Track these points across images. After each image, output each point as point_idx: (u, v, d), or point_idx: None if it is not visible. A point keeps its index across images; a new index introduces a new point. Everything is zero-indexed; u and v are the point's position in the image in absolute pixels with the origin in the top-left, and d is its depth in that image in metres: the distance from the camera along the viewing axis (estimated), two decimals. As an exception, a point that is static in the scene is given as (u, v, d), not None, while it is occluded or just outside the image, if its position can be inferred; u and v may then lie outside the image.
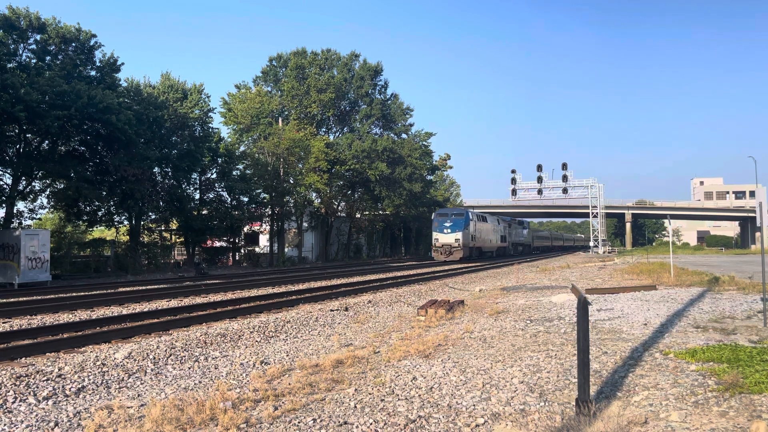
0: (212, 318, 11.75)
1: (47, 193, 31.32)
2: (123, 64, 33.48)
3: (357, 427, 4.91)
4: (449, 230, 42.55)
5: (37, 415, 5.55)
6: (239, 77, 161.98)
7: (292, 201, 43.65)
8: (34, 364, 7.43)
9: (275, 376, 6.82)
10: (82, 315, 12.56)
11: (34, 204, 30.77)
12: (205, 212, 39.33)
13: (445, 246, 42.17)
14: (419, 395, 5.81)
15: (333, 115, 52.30)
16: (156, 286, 19.28)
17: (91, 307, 13.79)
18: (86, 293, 17.32)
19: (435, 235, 43.68)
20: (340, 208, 52.84)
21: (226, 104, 46.59)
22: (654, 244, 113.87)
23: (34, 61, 29.23)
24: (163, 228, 39.58)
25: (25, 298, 15.88)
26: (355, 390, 6.07)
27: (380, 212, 57.74)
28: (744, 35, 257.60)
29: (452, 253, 41.86)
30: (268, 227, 44.07)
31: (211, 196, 40.41)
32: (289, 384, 6.37)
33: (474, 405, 5.44)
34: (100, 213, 33.63)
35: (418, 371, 6.82)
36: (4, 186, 28.22)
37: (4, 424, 5.30)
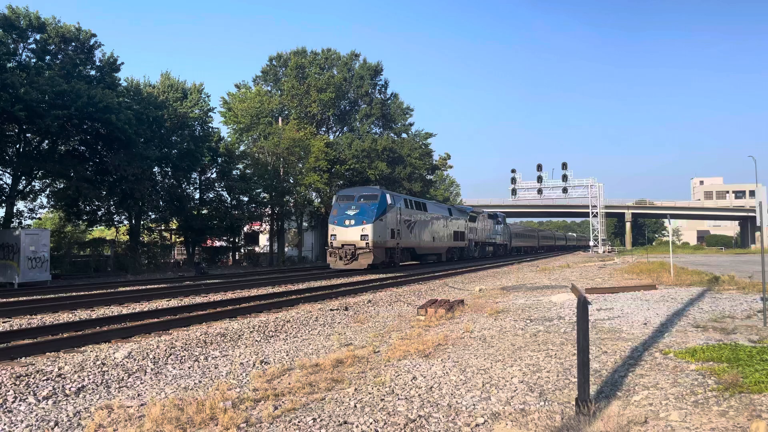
0: (212, 317, 11.74)
1: (47, 192, 31.33)
2: (123, 63, 33.52)
3: (357, 426, 4.91)
4: (353, 221, 27.65)
5: (37, 415, 5.55)
6: (239, 77, 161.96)
7: (292, 201, 43.63)
8: (34, 364, 7.42)
9: (275, 376, 6.82)
10: (82, 315, 12.56)
11: (34, 204, 30.80)
12: (205, 212, 39.34)
13: (346, 246, 27.32)
14: (419, 395, 5.81)
15: (333, 114, 52.30)
16: (156, 286, 19.28)
17: (91, 306, 13.78)
18: (86, 293, 17.32)
19: (331, 228, 28.44)
20: (340, 207, 52.76)
21: (226, 104, 46.58)
22: (654, 243, 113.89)
23: (33, 60, 29.24)
24: (163, 228, 39.58)
25: (25, 298, 15.87)
26: (355, 389, 6.07)
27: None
28: (744, 35, 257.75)
29: (357, 256, 27.19)
30: (268, 227, 44.06)
31: (211, 196, 40.42)
32: (289, 383, 6.37)
33: (474, 404, 5.45)
34: (99, 212, 33.64)
35: (418, 371, 6.82)
36: (4, 186, 28.23)
37: (4, 424, 5.30)
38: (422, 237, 34.57)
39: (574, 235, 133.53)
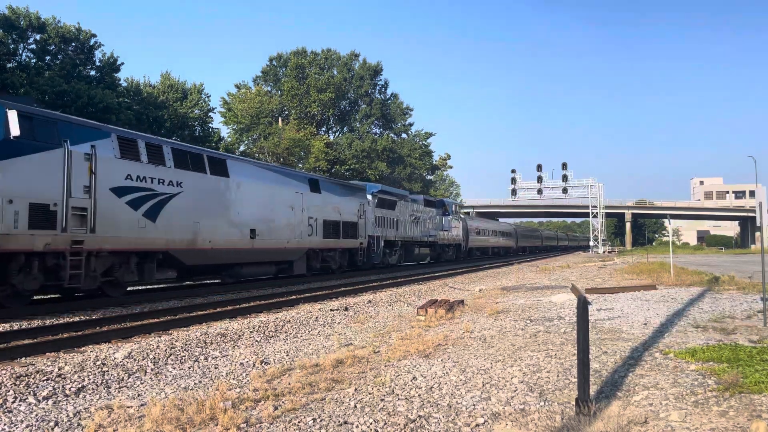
0: (212, 318, 11.74)
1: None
2: (123, 63, 33.62)
3: (357, 426, 4.91)
4: None
5: (37, 415, 5.55)
6: (239, 77, 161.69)
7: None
8: (34, 364, 7.42)
9: (275, 376, 6.82)
10: (82, 315, 12.55)
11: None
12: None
13: None
14: (419, 395, 5.81)
15: (333, 114, 52.34)
16: (156, 286, 19.26)
17: (91, 306, 13.77)
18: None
19: None
20: (339, 207, 52.79)
21: (226, 104, 46.64)
22: (654, 243, 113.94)
23: (33, 60, 29.26)
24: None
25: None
26: (355, 390, 6.07)
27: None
28: (744, 34, 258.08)
29: None
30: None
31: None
32: (289, 384, 6.37)
33: (474, 405, 5.45)
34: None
35: (418, 371, 6.81)
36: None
37: (4, 424, 5.30)
38: (204, 226, 16.32)
39: (566, 234, 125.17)
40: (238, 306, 13.47)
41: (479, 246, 50.20)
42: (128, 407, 5.70)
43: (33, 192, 11.78)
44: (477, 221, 52.64)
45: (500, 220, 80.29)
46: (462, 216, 44.71)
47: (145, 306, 14.07)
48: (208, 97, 40.02)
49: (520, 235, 69.01)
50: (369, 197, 27.69)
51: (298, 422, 5.03)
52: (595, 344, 7.87)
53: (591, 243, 76.81)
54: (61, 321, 11.52)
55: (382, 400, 5.67)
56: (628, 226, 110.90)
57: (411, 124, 57.36)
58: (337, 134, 54.15)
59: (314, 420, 5.08)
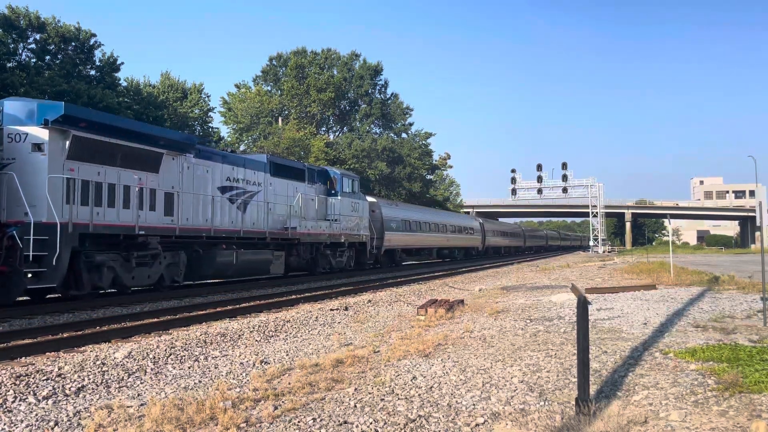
0: (212, 317, 11.74)
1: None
2: (123, 63, 33.61)
3: (357, 426, 4.91)
4: None
5: (36, 415, 5.55)
6: (239, 77, 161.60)
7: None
8: (34, 364, 7.42)
9: (275, 376, 6.82)
10: (82, 315, 12.55)
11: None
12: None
13: None
14: (419, 395, 5.81)
15: (333, 114, 52.35)
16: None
17: (91, 306, 13.76)
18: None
19: None
20: (339, 207, 52.74)
21: (226, 104, 46.66)
22: (654, 243, 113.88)
23: (33, 60, 29.26)
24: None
25: (25, 298, 15.85)
26: (355, 389, 6.07)
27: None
28: (745, 33, 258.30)
29: None
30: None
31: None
32: (289, 383, 6.37)
33: (474, 404, 5.45)
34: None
35: (418, 371, 6.81)
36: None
37: (4, 424, 5.30)
38: None
39: (557, 233, 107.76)
40: (238, 306, 13.47)
41: (408, 245, 32.94)
42: (128, 407, 5.70)
43: None
44: (403, 208, 34.56)
45: (501, 219, 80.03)
46: (373, 199, 29.83)
47: (145, 306, 14.07)
48: (208, 96, 40.20)
49: (490, 231, 51.42)
50: (30, 131, 12.24)
51: (298, 422, 5.03)
52: (594, 344, 7.87)
53: (591, 243, 76.77)
54: (61, 321, 11.52)
55: (382, 399, 5.67)
56: (628, 225, 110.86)
57: (411, 124, 57.46)
58: (337, 134, 54.19)
59: (314, 420, 5.08)
